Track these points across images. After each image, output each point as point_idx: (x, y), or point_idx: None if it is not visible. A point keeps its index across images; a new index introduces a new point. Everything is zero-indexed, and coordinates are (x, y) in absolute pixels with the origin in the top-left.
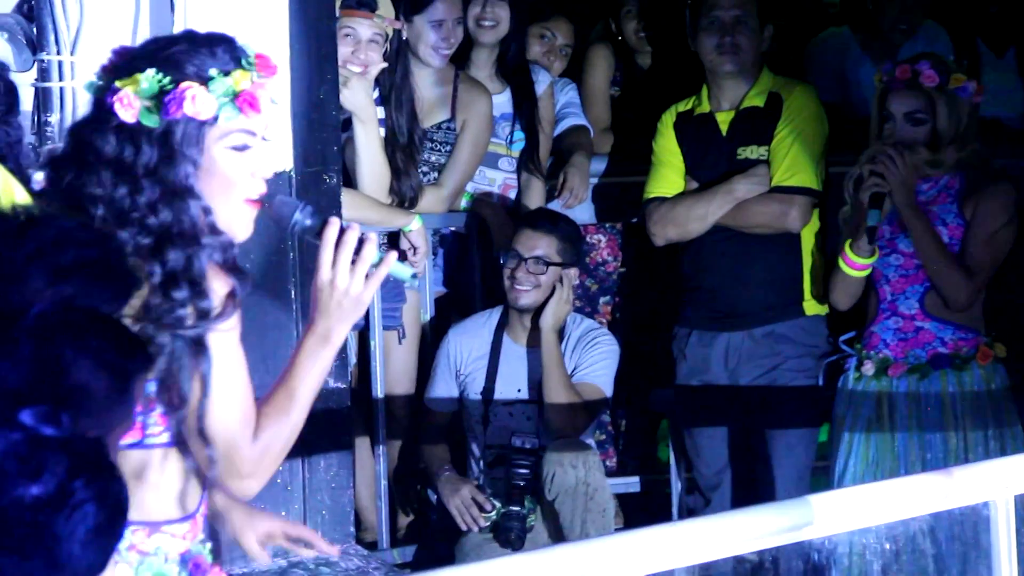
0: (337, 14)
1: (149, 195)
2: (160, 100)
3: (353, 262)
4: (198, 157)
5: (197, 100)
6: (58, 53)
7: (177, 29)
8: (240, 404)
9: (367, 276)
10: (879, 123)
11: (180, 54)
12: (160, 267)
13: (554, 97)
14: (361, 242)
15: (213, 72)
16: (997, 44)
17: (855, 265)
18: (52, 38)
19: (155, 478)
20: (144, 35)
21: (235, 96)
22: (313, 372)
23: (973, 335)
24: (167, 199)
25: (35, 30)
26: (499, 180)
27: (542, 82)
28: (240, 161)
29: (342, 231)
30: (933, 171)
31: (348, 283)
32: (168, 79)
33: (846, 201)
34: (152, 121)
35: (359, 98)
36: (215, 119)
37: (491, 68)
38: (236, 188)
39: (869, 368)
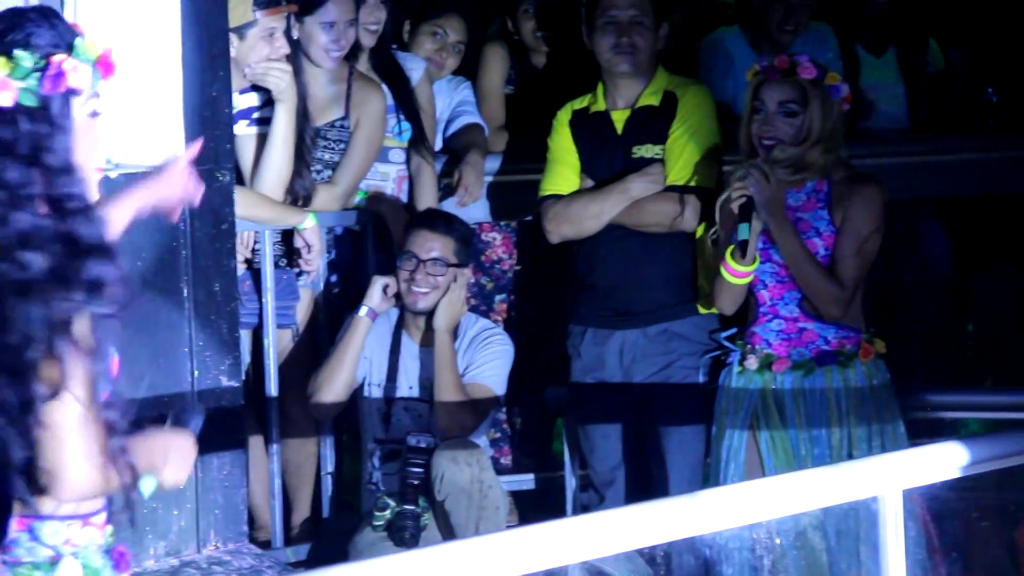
0: (230, 14)
1: (38, 173)
2: (35, 78)
3: None
4: (71, 128)
5: (77, 71)
6: None
7: None
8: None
9: None
10: (749, 116)
11: (31, 30)
12: (64, 244)
13: (431, 86)
14: None
15: (77, 41)
16: (876, 45)
17: (736, 273)
18: None
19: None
20: None
21: (95, 62)
22: None
23: (855, 333)
24: (56, 174)
25: None
26: (392, 173)
27: (415, 69)
28: (95, 128)
29: None
30: (799, 176)
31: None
32: (37, 56)
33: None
34: (31, 100)
35: (286, 81)
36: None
37: (368, 65)
38: (96, 155)
39: (752, 362)
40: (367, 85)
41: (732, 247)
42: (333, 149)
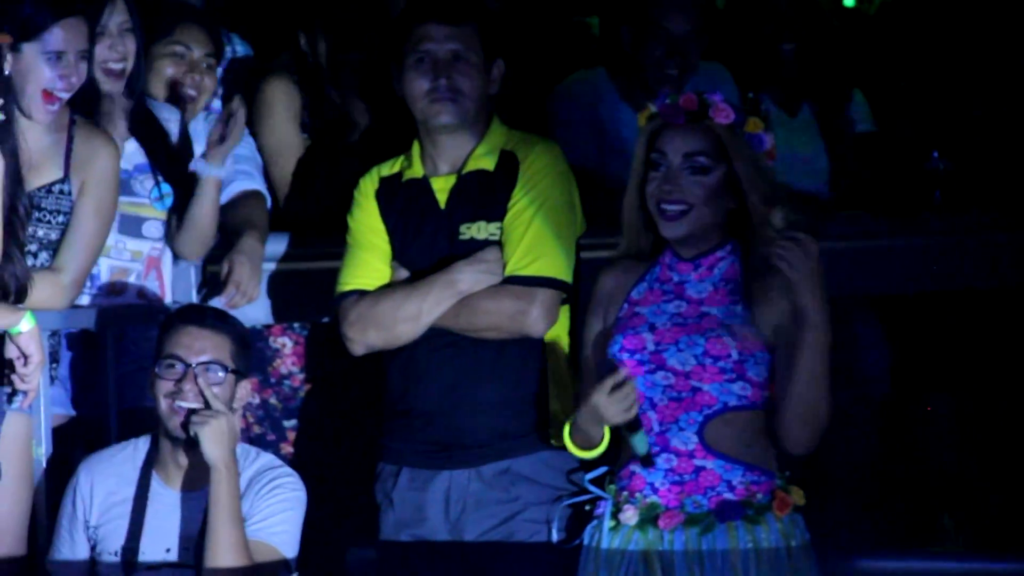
0: None
1: None
2: None
3: None
4: None
5: None
6: None
7: None
8: None
9: None
10: (644, 173)
11: None
12: None
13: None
14: None
15: None
16: (787, 102)
17: (582, 448)
18: None
19: None
20: None
21: None
22: None
23: (767, 477)
24: None
25: None
26: (145, 251)
27: (171, 120)
28: None
29: None
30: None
31: None
32: None
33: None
34: None
35: None
36: None
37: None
38: None
39: (631, 515)
40: (93, 135)
41: (569, 426)
42: (50, 222)
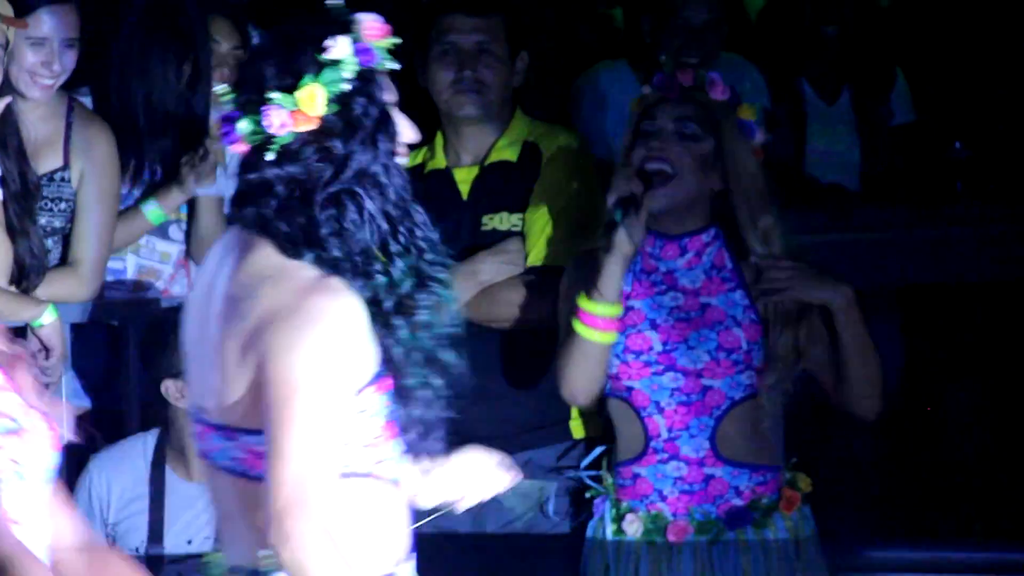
0: None
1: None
2: None
3: None
4: None
5: None
6: None
7: None
8: None
9: None
10: (632, 142)
11: None
12: None
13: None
14: None
15: None
16: (827, 87)
17: (595, 322)
18: None
19: None
20: None
21: None
22: None
23: (772, 474)
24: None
25: None
26: (173, 253)
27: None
28: None
29: None
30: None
31: None
32: None
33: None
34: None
35: None
36: None
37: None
38: None
39: (635, 527)
40: (91, 121)
41: (583, 292)
42: (51, 211)
